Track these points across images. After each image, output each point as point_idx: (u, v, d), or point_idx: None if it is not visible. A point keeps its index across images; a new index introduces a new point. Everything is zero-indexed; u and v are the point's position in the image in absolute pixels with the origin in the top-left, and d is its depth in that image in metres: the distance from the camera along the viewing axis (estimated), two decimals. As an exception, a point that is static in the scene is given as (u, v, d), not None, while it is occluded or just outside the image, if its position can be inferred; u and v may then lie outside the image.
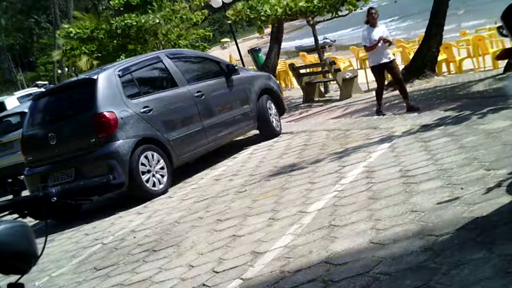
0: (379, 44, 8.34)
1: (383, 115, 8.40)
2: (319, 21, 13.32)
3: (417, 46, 12.35)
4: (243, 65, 18.52)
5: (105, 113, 6.84)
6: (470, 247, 3.11)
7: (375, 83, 12.98)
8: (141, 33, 14.08)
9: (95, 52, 15.04)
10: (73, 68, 28.71)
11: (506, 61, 8.98)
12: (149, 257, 4.81)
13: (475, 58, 12.00)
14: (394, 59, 8.81)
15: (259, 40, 48.67)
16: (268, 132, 8.93)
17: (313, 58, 18.29)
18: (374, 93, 11.33)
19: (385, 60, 8.49)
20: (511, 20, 3.45)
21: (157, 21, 13.85)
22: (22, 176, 7.28)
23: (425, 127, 6.47)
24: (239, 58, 20.99)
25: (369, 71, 14.65)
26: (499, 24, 3.66)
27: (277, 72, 16.40)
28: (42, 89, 16.26)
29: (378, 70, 8.67)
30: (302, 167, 6.25)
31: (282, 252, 3.92)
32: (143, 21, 13.63)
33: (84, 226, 6.76)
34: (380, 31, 8.51)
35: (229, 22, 15.57)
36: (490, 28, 13.54)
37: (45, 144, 7.16)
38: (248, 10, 12.50)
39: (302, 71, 13.14)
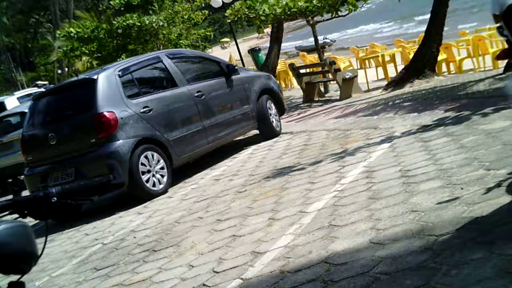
0: None
1: None
2: (319, 21, 13.31)
3: (417, 46, 12.35)
4: (243, 65, 18.53)
5: (105, 113, 6.84)
6: (470, 247, 3.11)
7: (375, 83, 13.06)
8: (141, 33, 14.08)
9: (95, 52, 15.04)
10: (73, 68, 28.72)
11: (506, 61, 8.97)
12: (149, 257, 4.81)
13: (475, 58, 12.00)
14: None
15: (259, 40, 48.70)
16: (268, 132, 8.93)
17: (313, 58, 18.29)
18: (375, 92, 11.37)
19: None
20: (511, 20, 3.45)
21: (161, 23, 13.85)
22: (22, 176, 7.27)
23: (425, 127, 6.47)
24: (239, 58, 21.00)
25: (369, 71, 14.72)
26: (499, 24, 3.66)
27: (277, 72, 16.40)
28: (42, 89, 16.25)
29: None
30: (302, 167, 6.25)
31: (282, 252, 3.92)
32: (147, 22, 13.63)
33: (84, 226, 6.76)
34: None
35: (229, 21, 15.57)
36: (490, 28, 13.54)
37: (45, 144, 7.16)
38: (246, 10, 12.50)
39: (302, 71, 13.13)
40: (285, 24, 15.84)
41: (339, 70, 12.11)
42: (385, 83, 11.92)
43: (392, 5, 46.52)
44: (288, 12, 12.08)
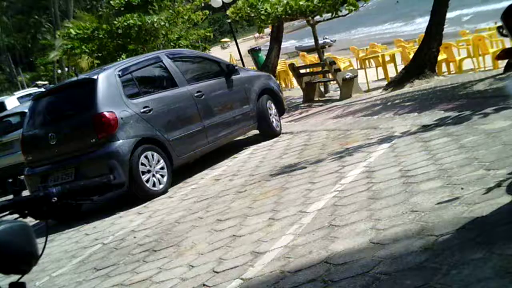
0: None
1: None
2: (319, 21, 13.32)
3: (417, 46, 12.35)
4: (243, 65, 18.52)
5: (105, 113, 6.84)
6: (470, 247, 3.11)
7: (375, 83, 13.06)
8: (141, 33, 14.07)
9: (95, 52, 15.04)
10: (73, 68, 28.72)
11: (506, 61, 8.98)
12: (149, 257, 4.81)
13: (475, 58, 12.00)
14: None
15: (257, 40, 48.66)
16: (268, 132, 8.94)
17: (313, 58, 18.29)
18: (375, 92, 11.36)
19: None
20: (511, 20, 3.45)
21: (162, 23, 13.86)
22: (22, 176, 7.27)
23: (425, 127, 6.47)
24: (239, 58, 21.00)
25: (369, 71, 14.72)
26: (499, 24, 3.66)
27: (277, 72, 16.40)
28: (42, 89, 16.24)
29: None
30: (302, 167, 6.25)
31: (282, 252, 3.92)
32: (149, 22, 13.62)
33: (84, 226, 6.76)
34: None
35: (229, 21, 15.57)
36: (490, 28, 13.55)
37: (45, 144, 7.17)
38: (248, 9, 12.51)
39: (302, 71, 13.14)
40: (285, 24, 15.84)
41: (339, 70, 12.11)
42: (385, 83, 11.93)
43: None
44: (289, 12, 12.09)
